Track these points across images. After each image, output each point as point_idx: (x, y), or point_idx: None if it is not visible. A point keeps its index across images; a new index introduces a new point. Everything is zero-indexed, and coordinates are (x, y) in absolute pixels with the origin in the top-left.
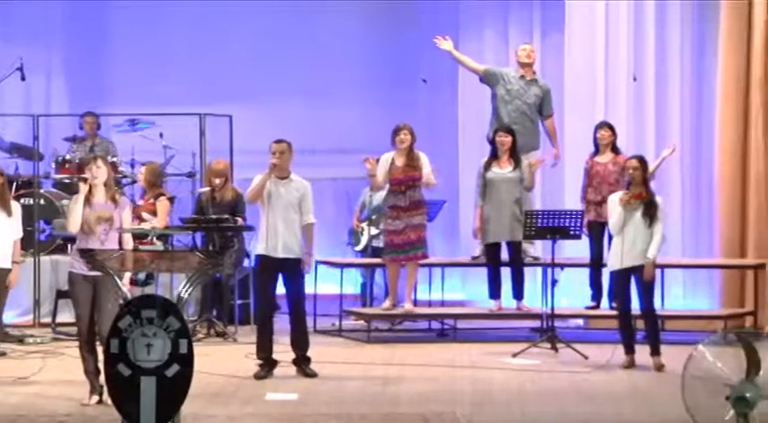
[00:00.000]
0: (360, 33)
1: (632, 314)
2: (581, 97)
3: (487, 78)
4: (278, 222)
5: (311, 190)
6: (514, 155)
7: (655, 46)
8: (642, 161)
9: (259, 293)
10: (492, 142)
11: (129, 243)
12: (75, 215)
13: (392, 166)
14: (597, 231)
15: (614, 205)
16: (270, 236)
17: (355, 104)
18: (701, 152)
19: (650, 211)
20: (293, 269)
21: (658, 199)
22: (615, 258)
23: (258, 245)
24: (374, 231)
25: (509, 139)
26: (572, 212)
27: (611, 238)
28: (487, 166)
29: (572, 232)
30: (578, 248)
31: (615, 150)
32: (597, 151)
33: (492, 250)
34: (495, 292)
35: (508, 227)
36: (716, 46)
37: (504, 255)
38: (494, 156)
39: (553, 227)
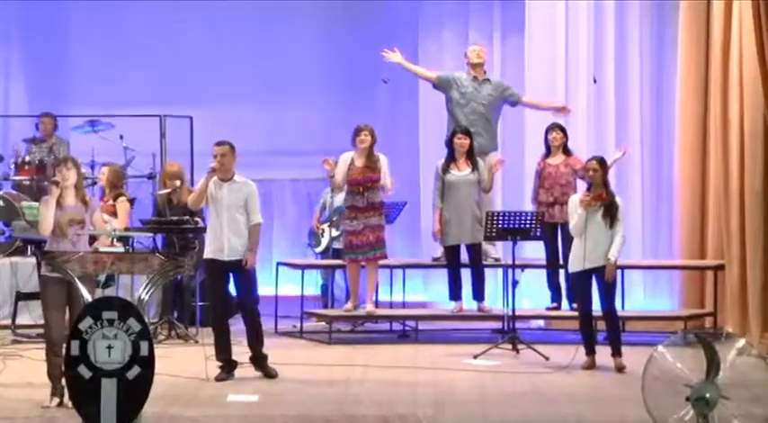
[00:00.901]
0: (319, 34)
1: (593, 315)
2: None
3: (440, 85)
4: (223, 225)
5: (256, 189)
6: (471, 156)
7: (615, 47)
8: (602, 162)
9: (211, 297)
10: (449, 144)
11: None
12: (47, 218)
13: (351, 166)
14: (550, 232)
15: (575, 207)
16: (215, 239)
17: (315, 105)
18: (660, 154)
19: (611, 213)
20: (241, 270)
21: (618, 200)
22: (576, 260)
23: (205, 248)
24: (335, 233)
25: (467, 141)
26: (532, 214)
27: (563, 239)
28: (446, 168)
29: (533, 234)
30: (538, 250)
31: (567, 152)
32: (549, 153)
33: (452, 252)
34: (455, 294)
35: (469, 229)
36: (675, 47)
37: (464, 256)
38: (451, 158)
39: (514, 228)
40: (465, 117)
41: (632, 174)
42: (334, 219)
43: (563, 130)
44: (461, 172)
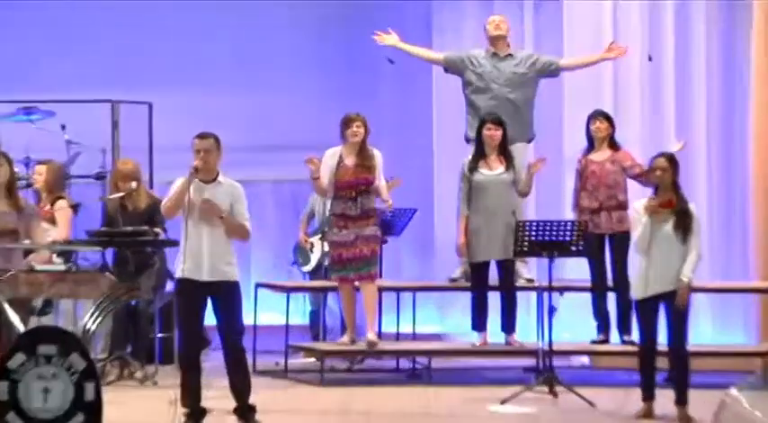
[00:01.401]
0: (310, 6)
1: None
2: (583, 81)
3: (451, 66)
4: (202, 237)
5: (244, 193)
6: (505, 152)
7: (675, 16)
8: (672, 160)
9: (182, 326)
10: (476, 139)
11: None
12: None
13: (340, 165)
14: (595, 247)
15: (638, 216)
16: (192, 254)
17: (305, 92)
18: (731, 149)
19: (684, 223)
20: (225, 294)
21: (692, 207)
22: (640, 283)
23: (178, 266)
24: (326, 247)
25: (498, 132)
26: (572, 223)
27: (612, 254)
28: (473, 167)
29: (574, 248)
30: (580, 269)
31: (613, 145)
32: (592, 147)
33: (480, 271)
34: (480, 323)
35: (501, 242)
36: (750, 14)
37: (492, 276)
38: (479, 153)
39: (550, 242)
40: (485, 104)
41: (695, 174)
42: (326, 229)
43: (609, 118)
44: (492, 171)
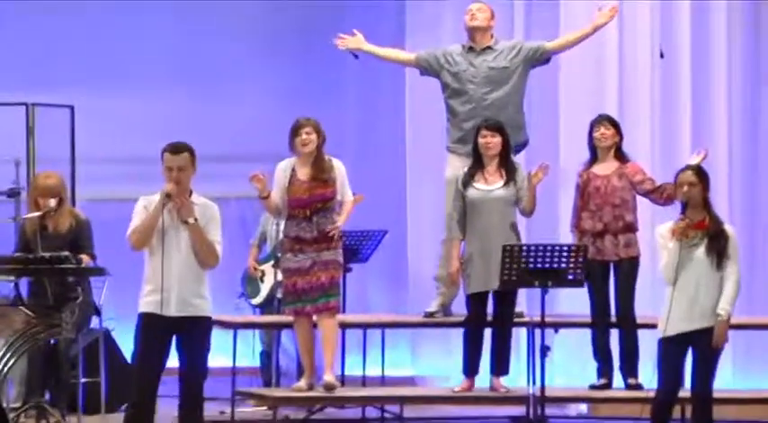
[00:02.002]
0: None
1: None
2: (583, 81)
3: (425, 67)
4: (171, 266)
5: (217, 211)
6: (507, 163)
7: (690, 7)
8: (701, 173)
9: (139, 367)
10: (473, 148)
11: None
12: None
13: (293, 179)
14: (598, 274)
15: (664, 241)
16: (158, 286)
17: (254, 92)
18: (756, 163)
19: (718, 247)
20: (194, 332)
21: (729, 228)
22: (670, 318)
23: (142, 298)
24: (280, 276)
25: (497, 139)
26: (570, 248)
27: (617, 284)
28: (468, 181)
29: (571, 277)
30: (579, 301)
31: (621, 157)
32: (595, 159)
33: (476, 303)
34: (473, 366)
35: (495, 270)
36: None
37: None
38: (477, 165)
39: (544, 269)
40: (461, 108)
41: (714, 192)
42: (279, 255)
43: (615, 125)
44: (490, 185)
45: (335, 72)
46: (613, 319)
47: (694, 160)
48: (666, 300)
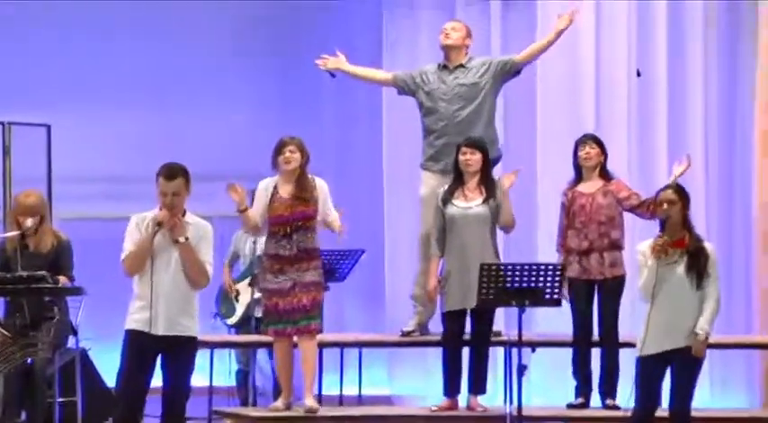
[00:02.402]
0: (242, 14)
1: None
2: (560, 100)
3: (401, 87)
4: (159, 286)
5: (210, 231)
6: (486, 180)
7: (667, 24)
8: (681, 192)
9: (124, 385)
10: (454, 166)
11: None
12: None
13: (274, 197)
14: (582, 293)
15: (644, 258)
16: (146, 305)
17: (231, 111)
18: (733, 180)
19: (697, 265)
20: (180, 352)
21: (708, 247)
22: (648, 337)
23: (130, 315)
24: (256, 294)
25: (477, 156)
26: (548, 267)
27: (601, 303)
28: (447, 198)
29: (548, 296)
30: (560, 320)
31: (605, 175)
32: (580, 177)
33: (455, 322)
34: (453, 386)
35: (473, 288)
36: (754, 31)
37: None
38: (458, 182)
39: (521, 288)
40: (434, 126)
41: (692, 209)
42: (256, 272)
43: (600, 144)
44: (469, 202)
45: (314, 90)
46: (595, 337)
47: (678, 170)
48: (645, 318)
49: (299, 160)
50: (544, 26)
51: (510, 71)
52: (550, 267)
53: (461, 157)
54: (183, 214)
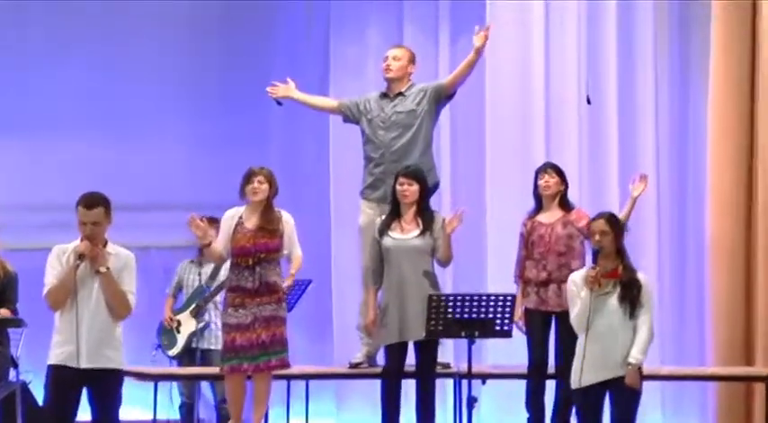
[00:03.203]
0: (188, 34)
1: None
2: (508, 129)
3: (346, 114)
4: (82, 319)
5: (133, 261)
6: (424, 213)
7: (617, 53)
8: (613, 221)
9: (50, 420)
10: (392, 196)
11: None
12: None
13: (239, 228)
14: (538, 325)
15: (577, 289)
16: (69, 338)
17: (175, 140)
18: (685, 206)
19: (630, 295)
20: (105, 385)
21: (642, 276)
22: (580, 368)
23: (52, 349)
24: (198, 324)
25: (414, 187)
26: (498, 298)
27: (558, 336)
28: (384, 229)
29: (498, 328)
30: (508, 351)
31: (565, 205)
32: (539, 207)
33: (394, 355)
34: (392, 420)
35: (417, 319)
36: (706, 55)
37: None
38: (395, 213)
39: (470, 319)
40: (373, 154)
41: (644, 236)
42: (198, 303)
43: (559, 172)
44: (405, 234)
45: (259, 119)
46: (550, 369)
47: (636, 190)
48: (579, 349)
49: (266, 191)
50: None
51: (442, 96)
52: (501, 297)
53: (398, 187)
54: (105, 244)
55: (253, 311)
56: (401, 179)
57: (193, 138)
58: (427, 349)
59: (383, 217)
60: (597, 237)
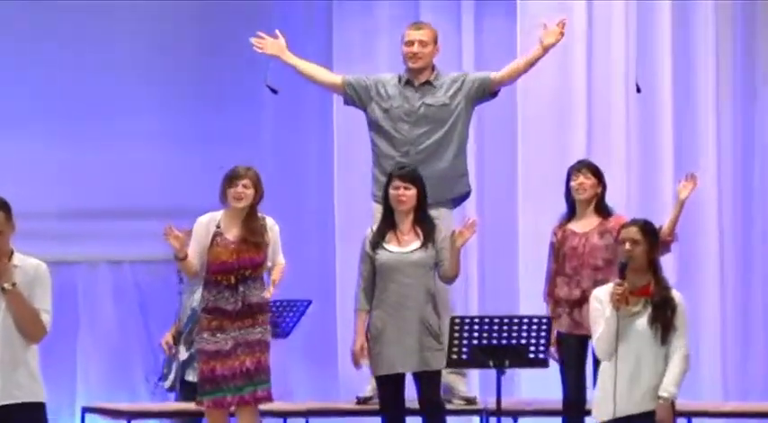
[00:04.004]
0: (165, 18)
1: None
2: (544, 128)
3: (351, 95)
4: None
5: (46, 273)
6: (423, 222)
7: (672, 46)
8: (647, 229)
9: None
10: (383, 203)
11: None
12: None
13: (217, 239)
14: (574, 352)
15: (600, 307)
16: None
17: (154, 135)
18: (751, 213)
19: (663, 317)
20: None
21: (676, 295)
22: (605, 400)
23: None
24: (185, 354)
25: (411, 192)
26: (532, 320)
27: (596, 363)
28: (377, 241)
29: (533, 356)
30: (544, 383)
31: (603, 210)
32: (572, 213)
33: (389, 387)
34: None
35: (415, 347)
36: None
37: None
38: (388, 222)
39: (500, 346)
40: (393, 152)
41: (703, 248)
42: (191, 328)
43: (596, 172)
44: (404, 247)
45: (249, 112)
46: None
47: (684, 192)
48: (602, 378)
49: (251, 197)
50: (524, 24)
51: (485, 92)
52: (535, 320)
53: (393, 192)
54: (11, 256)
55: (233, 336)
56: (396, 182)
57: (169, 134)
58: (429, 381)
59: (373, 227)
60: (627, 246)
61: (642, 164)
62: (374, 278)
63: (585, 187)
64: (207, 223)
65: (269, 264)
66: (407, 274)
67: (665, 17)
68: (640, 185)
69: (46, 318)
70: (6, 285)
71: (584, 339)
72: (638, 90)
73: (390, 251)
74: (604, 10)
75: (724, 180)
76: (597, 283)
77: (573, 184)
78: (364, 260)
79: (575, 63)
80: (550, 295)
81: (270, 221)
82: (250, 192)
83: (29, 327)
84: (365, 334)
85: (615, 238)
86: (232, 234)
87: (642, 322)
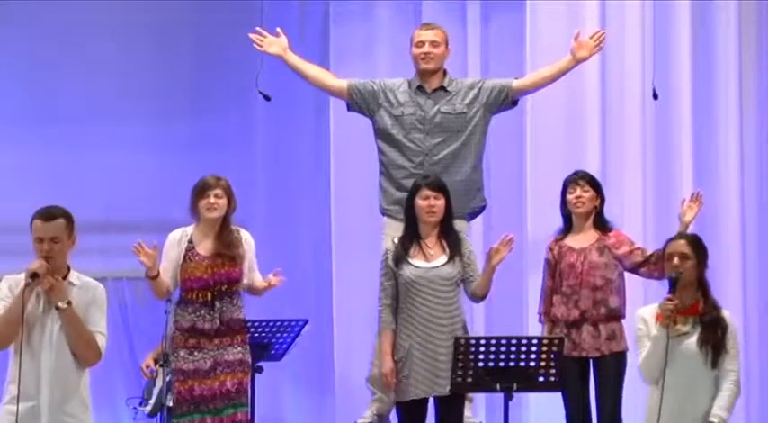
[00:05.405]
0: (157, 22)
1: None
2: (554, 138)
3: (356, 101)
4: (41, 363)
5: (104, 294)
6: (449, 234)
7: (692, 37)
8: (697, 243)
9: None
10: (406, 214)
11: None
12: None
13: (190, 254)
14: (574, 375)
15: (647, 327)
16: (27, 393)
17: (137, 144)
18: None
19: (713, 338)
20: None
21: (727, 315)
22: None
23: (3, 405)
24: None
25: (440, 202)
26: (541, 341)
27: (600, 386)
28: (401, 256)
29: (542, 378)
30: (554, 407)
31: (601, 225)
32: (568, 227)
33: (415, 413)
34: None
35: (443, 369)
36: None
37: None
38: (412, 236)
39: (507, 368)
40: (406, 162)
41: (724, 266)
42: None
43: (594, 183)
44: (431, 261)
45: (240, 118)
46: None
47: (688, 214)
48: (650, 403)
49: (224, 208)
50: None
51: (505, 101)
52: (545, 341)
53: (422, 202)
54: (67, 272)
55: (212, 354)
56: (425, 191)
57: (160, 144)
58: (453, 405)
59: (395, 240)
60: (676, 260)
61: (659, 175)
62: (398, 296)
63: (583, 200)
64: (178, 240)
65: (245, 281)
66: (436, 290)
67: (683, 17)
68: (657, 198)
69: (102, 340)
70: (61, 304)
71: (584, 362)
72: (656, 96)
73: (416, 266)
74: (618, 10)
75: (747, 191)
76: (596, 304)
77: (570, 196)
78: (387, 276)
79: (587, 66)
80: (546, 314)
81: (245, 234)
82: (222, 202)
83: (83, 349)
84: (392, 355)
85: (614, 255)
86: (205, 248)
87: (691, 343)
